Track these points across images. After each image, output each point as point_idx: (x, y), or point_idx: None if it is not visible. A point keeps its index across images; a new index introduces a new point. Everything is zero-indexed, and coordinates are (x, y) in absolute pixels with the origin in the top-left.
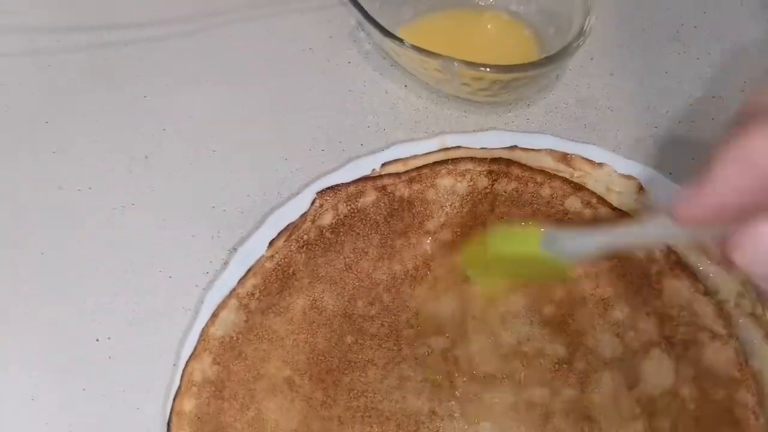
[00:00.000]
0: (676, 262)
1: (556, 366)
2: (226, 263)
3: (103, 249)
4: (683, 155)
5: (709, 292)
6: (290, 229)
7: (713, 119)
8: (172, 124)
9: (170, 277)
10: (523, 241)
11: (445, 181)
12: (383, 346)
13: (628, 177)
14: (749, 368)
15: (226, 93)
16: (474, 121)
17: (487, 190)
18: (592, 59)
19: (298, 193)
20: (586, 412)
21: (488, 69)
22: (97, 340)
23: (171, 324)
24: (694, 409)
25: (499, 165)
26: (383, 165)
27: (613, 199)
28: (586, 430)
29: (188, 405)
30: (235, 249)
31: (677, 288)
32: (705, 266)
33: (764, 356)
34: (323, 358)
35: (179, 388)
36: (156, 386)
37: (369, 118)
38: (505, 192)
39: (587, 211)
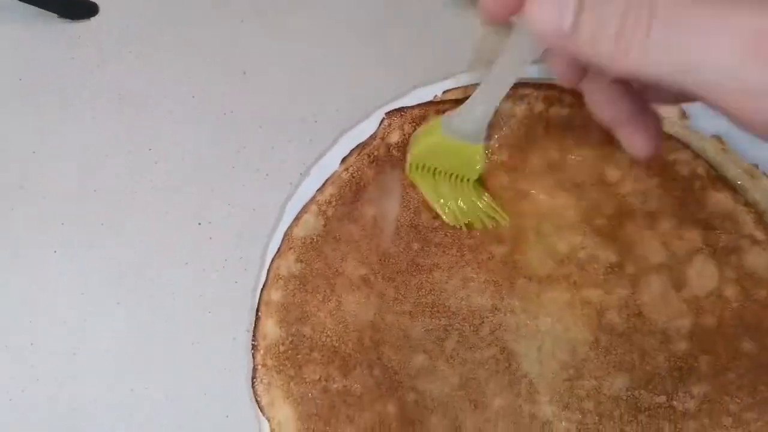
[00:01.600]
0: (717, 178)
1: (609, 270)
2: (307, 173)
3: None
4: None
5: (749, 203)
6: (362, 145)
7: None
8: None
9: (266, 175)
10: (427, 132)
11: (504, 105)
12: (447, 252)
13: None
14: None
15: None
16: None
17: (544, 114)
18: None
19: (368, 116)
20: (637, 309)
21: None
22: (199, 223)
23: (261, 220)
24: (737, 308)
25: (554, 91)
26: (445, 92)
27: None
28: (637, 324)
29: (275, 295)
30: (317, 161)
31: (719, 200)
32: (743, 181)
33: None
34: (394, 260)
35: (266, 281)
36: (249, 269)
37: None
38: (559, 116)
39: None
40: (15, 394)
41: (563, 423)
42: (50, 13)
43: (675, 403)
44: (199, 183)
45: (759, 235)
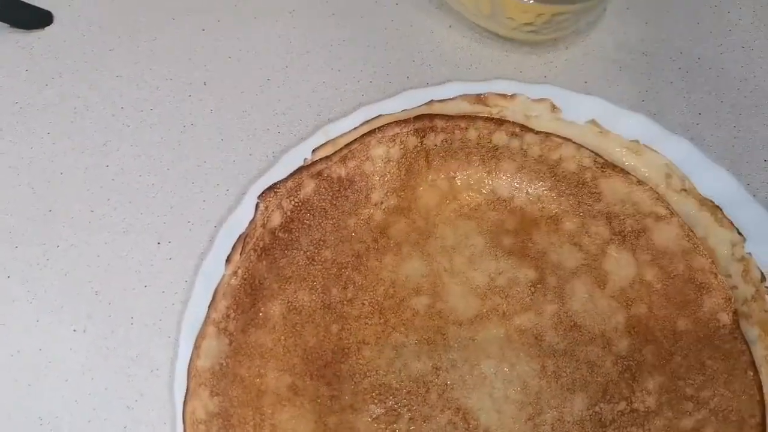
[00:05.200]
0: (605, 164)
1: (532, 289)
2: (191, 286)
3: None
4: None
5: (641, 181)
6: (243, 239)
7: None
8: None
9: (227, 190)
10: None
11: (378, 151)
12: (370, 323)
13: (541, 100)
14: (695, 236)
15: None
16: (515, 61)
17: (419, 148)
18: (627, 9)
19: (238, 203)
20: (571, 321)
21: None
22: (158, 243)
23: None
24: (661, 288)
25: (423, 121)
26: (314, 151)
27: (534, 124)
28: (576, 336)
29: None
30: (188, 281)
31: (613, 186)
32: (630, 159)
33: (704, 224)
34: (317, 354)
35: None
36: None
37: (416, 55)
38: (436, 145)
39: (514, 142)
40: None
41: None
42: (2, 23)
43: (636, 405)
44: (157, 200)
45: (660, 210)
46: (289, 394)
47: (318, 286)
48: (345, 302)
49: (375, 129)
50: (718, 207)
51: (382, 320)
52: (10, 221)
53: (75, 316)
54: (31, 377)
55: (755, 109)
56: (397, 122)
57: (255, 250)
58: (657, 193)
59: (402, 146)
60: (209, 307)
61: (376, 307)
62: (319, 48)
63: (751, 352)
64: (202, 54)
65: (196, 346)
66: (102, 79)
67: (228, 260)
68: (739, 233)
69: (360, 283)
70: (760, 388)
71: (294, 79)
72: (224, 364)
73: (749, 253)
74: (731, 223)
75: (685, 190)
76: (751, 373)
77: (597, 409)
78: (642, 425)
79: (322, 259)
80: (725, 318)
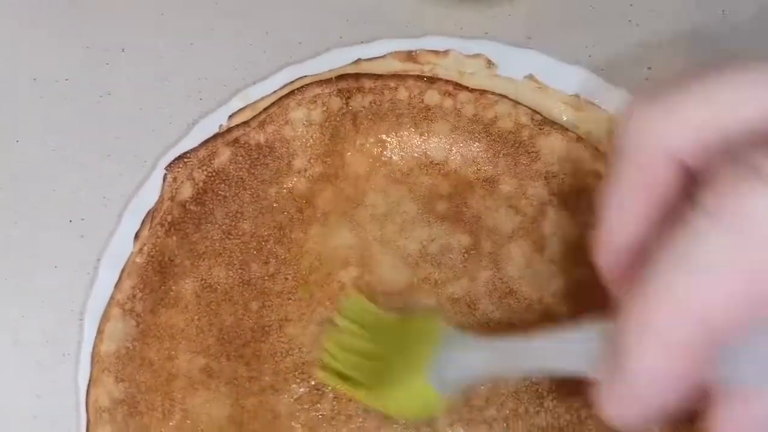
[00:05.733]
0: (543, 121)
1: (465, 255)
2: (95, 270)
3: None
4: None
5: (581, 138)
6: (151, 214)
7: None
8: None
9: (144, 161)
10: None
11: (298, 114)
12: (293, 298)
13: (475, 56)
14: None
15: None
16: (456, 18)
17: (344, 110)
18: None
19: (147, 177)
20: (506, 288)
21: None
22: (70, 221)
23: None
24: None
25: (348, 81)
26: (230, 117)
27: (468, 81)
28: (512, 303)
29: None
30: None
31: (551, 144)
32: (569, 116)
33: None
34: (234, 333)
35: (88, 421)
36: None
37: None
38: (364, 107)
39: (447, 101)
40: None
41: None
42: None
43: None
44: (70, 175)
45: (601, 167)
46: (203, 377)
47: (235, 262)
48: (266, 278)
49: (294, 90)
50: None
51: (306, 295)
52: None
53: None
54: None
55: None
56: (318, 83)
57: (162, 225)
58: (597, 149)
59: (325, 108)
60: (114, 287)
61: (301, 281)
62: (246, 8)
63: None
64: (120, 18)
65: (100, 330)
66: (10, 48)
67: (136, 237)
68: None
69: (283, 257)
70: None
71: (218, 43)
72: (131, 347)
73: None
74: None
75: None
76: None
77: (534, 379)
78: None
79: (240, 233)
80: None
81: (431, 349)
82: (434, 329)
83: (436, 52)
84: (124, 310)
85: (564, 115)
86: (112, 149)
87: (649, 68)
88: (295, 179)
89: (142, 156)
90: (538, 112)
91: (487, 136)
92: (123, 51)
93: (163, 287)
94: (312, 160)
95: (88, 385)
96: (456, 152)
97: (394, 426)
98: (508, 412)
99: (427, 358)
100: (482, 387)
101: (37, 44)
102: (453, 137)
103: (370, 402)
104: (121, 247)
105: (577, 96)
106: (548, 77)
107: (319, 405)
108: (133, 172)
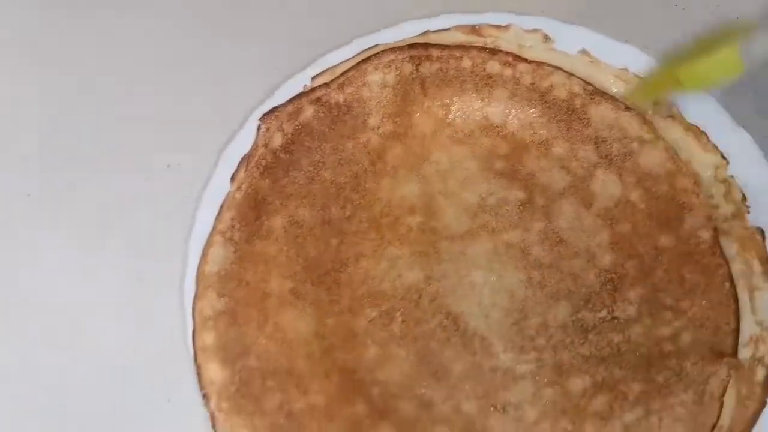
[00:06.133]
0: (595, 91)
1: (520, 208)
2: (197, 206)
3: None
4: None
5: (629, 107)
6: (246, 158)
7: None
8: None
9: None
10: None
11: (375, 77)
12: (367, 237)
13: (533, 31)
14: (680, 159)
15: None
16: None
17: (414, 75)
18: None
19: (241, 127)
20: (557, 237)
21: None
22: None
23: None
24: (645, 208)
25: (418, 50)
26: (313, 79)
27: (526, 54)
28: (561, 251)
29: (209, 338)
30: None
31: (602, 112)
32: (619, 88)
33: (688, 148)
34: (317, 263)
35: (194, 327)
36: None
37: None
38: (431, 73)
39: (507, 71)
40: None
41: (523, 366)
42: None
43: (617, 313)
44: (167, 126)
45: (646, 134)
46: (291, 298)
47: (318, 204)
48: (343, 219)
49: (371, 56)
50: (703, 132)
51: (378, 236)
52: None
53: (91, 240)
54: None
55: None
56: (393, 49)
57: (258, 168)
58: (643, 118)
59: (398, 72)
60: (215, 219)
61: (373, 224)
62: None
63: (728, 266)
64: None
65: (204, 254)
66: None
67: (233, 178)
68: (723, 157)
69: (358, 202)
70: (735, 298)
71: (292, 11)
72: (230, 269)
73: (731, 176)
74: (715, 147)
75: (671, 116)
76: (728, 285)
77: (579, 316)
78: (622, 331)
79: (322, 180)
80: (705, 235)
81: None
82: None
83: (497, 27)
84: (225, 238)
85: (614, 87)
86: (202, 103)
87: None
88: (369, 135)
89: (229, 111)
90: (590, 84)
91: (543, 103)
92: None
93: (257, 221)
94: (384, 119)
95: (194, 298)
96: (514, 117)
97: (453, 341)
98: (555, 342)
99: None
100: (531, 320)
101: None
102: (511, 103)
103: (674, 83)
104: (219, 185)
105: (626, 69)
106: (600, 53)
107: (389, 327)
108: (221, 124)
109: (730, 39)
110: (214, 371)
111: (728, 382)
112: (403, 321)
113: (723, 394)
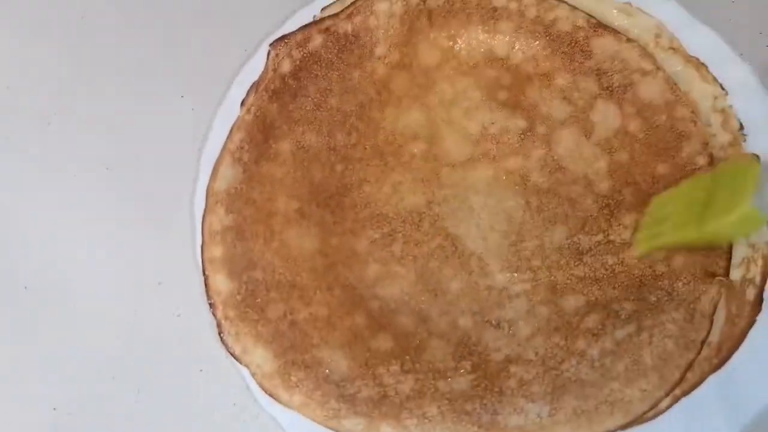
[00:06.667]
0: (598, 24)
1: (522, 136)
2: (208, 129)
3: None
4: None
5: (631, 39)
6: (257, 83)
7: None
8: None
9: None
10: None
11: (382, 6)
12: (371, 164)
13: None
14: (679, 90)
15: None
16: None
17: (421, 6)
18: None
19: (253, 54)
20: (556, 164)
21: None
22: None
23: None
24: (644, 137)
25: None
26: (323, 9)
27: None
28: (560, 177)
29: (217, 251)
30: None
31: (604, 44)
32: (621, 21)
33: (688, 80)
34: (322, 186)
35: (203, 240)
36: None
37: None
38: (438, 5)
39: (513, 3)
40: None
41: (518, 285)
42: None
43: (612, 237)
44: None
45: (647, 66)
46: (297, 217)
47: (324, 130)
48: (349, 146)
49: None
50: (703, 64)
51: (382, 162)
52: None
53: (106, 158)
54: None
55: None
56: None
57: (266, 92)
58: (645, 50)
59: (405, 2)
60: (226, 139)
61: (377, 151)
62: None
63: None
64: None
65: (214, 172)
66: None
67: (243, 103)
68: (722, 88)
69: (362, 130)
70: None
71: None
72: (238, 188)
73: (730, 106)
74: (714, 78)
75: (672, 48)
76: None
77: (576, 239)
78: (616, 254)
79: (328, 107)
80: (701, 160)
81: (753, 178)
82: (750, 166)
83: None
84: (234, 158)
85: (616, 20)
86: (213, 33)
87: None
88: (375, 65)
89: (241, 40)
90: (593, 17)
91: (547, 36)
92: None
93: (265, 144)
94: (391, 49)
95: (204, 213)
96: (518, 49)
97: (451, 261)
98: (551, 262)
99: (750, 186)
100: (528, 243)
101: None
102: (516, 35)
103: (693, 238)
104: (230, 109)
105: (629, 3)
106: None
107: (390, 248)
108: (232, 53)
109: (740, 190)
110: (221, 282)
111: (718, 300)
112: (404, 242)
113: (713, 313)
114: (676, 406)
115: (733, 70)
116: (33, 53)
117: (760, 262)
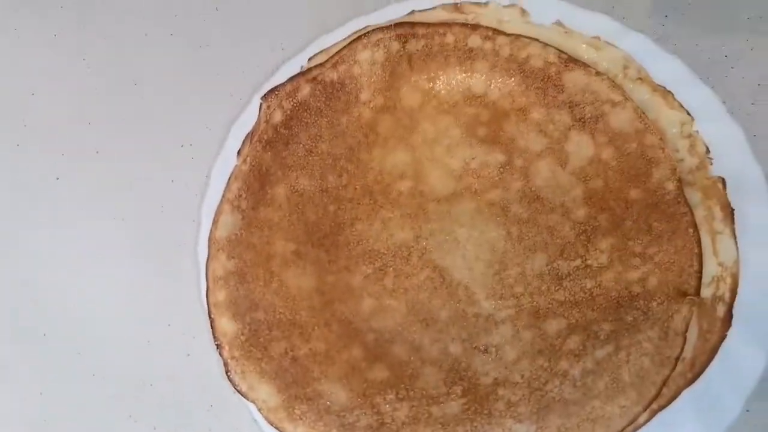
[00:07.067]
0: (568, 59)
1: (501, 169)
2: (208, 179)
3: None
4: None
5: (600, 72)
6: (251, 134)
7: None
8: None
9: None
10: None
11: (364, 55)
12: (361, 203)
13: (510, 6)
14: (647, 118)
15: None
16: None
17: (401, 52)
18: None
19: (245, 106)
20: (534, 195)
21: None
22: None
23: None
24: (616, 165)
25: (405, 28)
26: (309, 59)
27: (505, 28)
28: (538, 207)
29: (221, 295)
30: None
31: (575, 78)
32: (590, 55)
33: (656, 107)
34: (317, 227)
35: (207, 286)
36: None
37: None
38: (417, 50)
39: (488, 44)
40: None
41: (503, 311)
42: None
43: (589, 261)
44: (179, 110)
45: (616, 97)
46: (294, 258)
47: (316, 174)
48: (340, 187)
49: (362, 35)
50: (669, 92)
51: (371, 201)
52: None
53: (115, 209)
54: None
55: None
56: (381, 29)
57: (260, 142)
58: (614, 82)
59: (386, 50)
60: (225, 189)
61: (367, 190)
62: None
63: (692, 214)
64: None
65: (215, 221)
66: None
67: (239, 153)
68: (688, 114)
69: (352, 172)
70: (698, 243)
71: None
72: (238, 234)
73: (696, 131)
74: (681, 105)
75: (640, 78)
76: (692, 231)
77: (555, 265)
78: (594, 278)
79: (319, 152)
80: (671, 185)
81: None
82: None
83: (477, 4)
84: (233, 206)
85: (586, 54)
86: (209, 87)
87: (666, 16)
88: (361, 109)
89: (235, 92)
90: (564, 52)
91: (521, 73)
92: (216, 9)
93: (261, 190)
94: (375, 94)
95: (207, 261)
96: (494, 86)
97: (440, 292)
98: (532, 289)
99: None
100: (511, 271)
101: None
102: (492, 74)
103: None
104: (227, 160)
105: (597, 38)
106: (572, 22)
107: (383, 282)
108: (227, 104)
109: None
110: (226, 324)
111: (690, 318)
112: (395, 276)
113: (686, 330)
114: (654, 420)
115: (696, 94)
116: (37, 114)
117: (728, 280)
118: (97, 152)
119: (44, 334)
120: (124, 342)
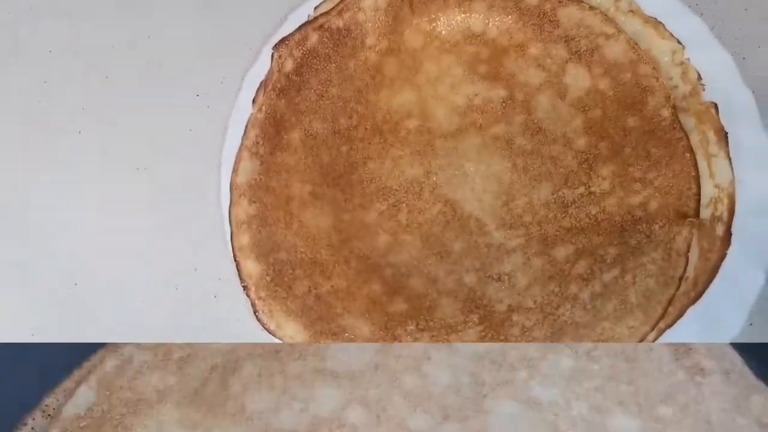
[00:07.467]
0: None
1: (503, 104)
2: (225, 128)
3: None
4: None
5: (593, 7)
6: (264, 83)
7: None
8: None
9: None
10: None
11: (368, 2)
12: (372, 142)
13: None
14: (640, 49)
15: None
16: None
17: None
18: None
19: (257, 56)
20: (536, 126)
21: None
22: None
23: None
24: (613, 94)
25: None
26: (315, 8)
27: None
28: (541, 139)
29: (244, 239)
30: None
31: (569, 13)
32: None
33: (648, 39)
34: (331, 168)
35: (231, 230)
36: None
37: None
38: None
39: None
40: None
41: (514, 240)
42: None
43: (593, 188)
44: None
45: (609, 29)
46: (311, 199)
47: (328, 117)
48: (351, 128)
49: None
50: (660, 22)
51: (381, 140)
52: None
53: (139, 161)
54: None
55: None
56: None
57: (274, 90)
58: (606, 15)
59: None
60: (242, 137)
61: (377, 130)
62: None
63: (688, 138)
64: None
65: (234, 168)
66: None
67: (254, 101)
68: (679, 42)
69: (362, 113)
70: (695, 166)
71: None
72: (258, 179)
73: (688, 59)
74: (671, 34)
75: (632, 11)
76: (688, 155)
77: (560, 193)
78: (598, 204)
79: (330, 95)
80: (666, 112)
81: None
82: None
83: None
84: (251, 153)
85: None
86: (222, 39)
87: None
88: (368, 53)
89: (247, 43)
90: None
91: (518, 10)
92: None
93: (277, 136)
94: (380, 38)
95: (230, 207)
96: (492, 25)
97: (452, 224)
98: (540, 217)
99: None
100: (518, 201)
101: None
102: (490, 13)
103: None
104: (243, 108)
105: None
106: None
107: (396, 217)
108: (241, 56)
109: None
110: (251, 266)
111: (691, 239)
112: (408, 211)
113: (688, 250)
114: (661, 339)
115: (686, 23)
116: (56, 71)
117: (725, 201)
118: (117, 105)
119: (75, 284)
120: (152, 286)
